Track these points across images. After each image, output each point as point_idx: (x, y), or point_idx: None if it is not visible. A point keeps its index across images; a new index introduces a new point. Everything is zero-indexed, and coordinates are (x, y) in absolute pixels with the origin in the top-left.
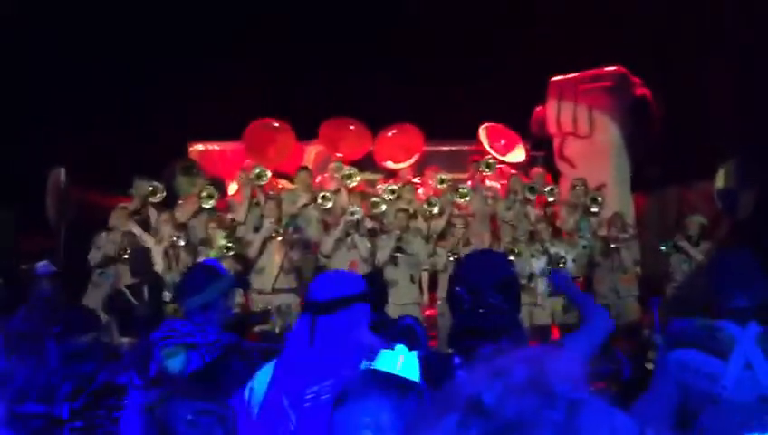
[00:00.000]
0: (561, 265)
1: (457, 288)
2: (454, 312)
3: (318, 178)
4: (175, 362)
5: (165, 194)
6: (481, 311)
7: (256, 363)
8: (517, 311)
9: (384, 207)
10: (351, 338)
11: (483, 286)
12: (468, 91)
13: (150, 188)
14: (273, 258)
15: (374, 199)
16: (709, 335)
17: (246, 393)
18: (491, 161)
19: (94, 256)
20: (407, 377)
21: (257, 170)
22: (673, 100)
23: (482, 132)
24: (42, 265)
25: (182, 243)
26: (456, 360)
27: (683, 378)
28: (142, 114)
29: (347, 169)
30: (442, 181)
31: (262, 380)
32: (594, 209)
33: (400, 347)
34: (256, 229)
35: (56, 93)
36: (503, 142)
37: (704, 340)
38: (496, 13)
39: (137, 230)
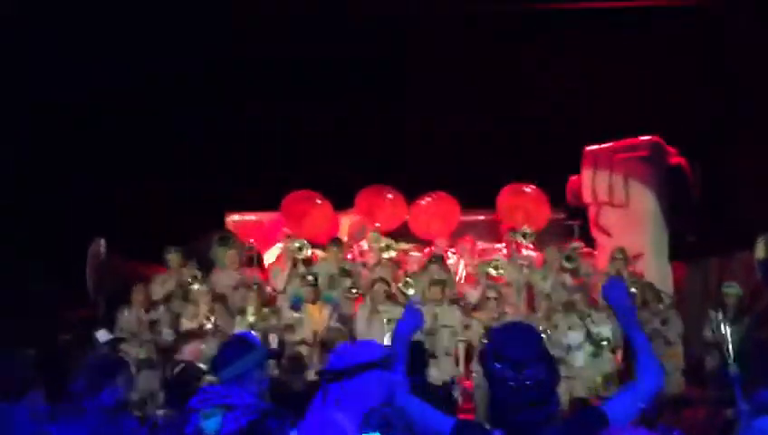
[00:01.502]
0: (603, 344)
1: (497, 364)
2: (495, 388)
3: (353, 249)
4: (211, 423)
5: (199, 272)
6: (528, 383)
7: (292, 428)
8: (556, 383)
9: (412, 290)
10: (364, 403)
11: (525, 359)
12: (503, 161)
13: (192, 275)
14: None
15: (405, 281)
16: None
17: None
18: (527, 231)
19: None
20: None
21: (297, 244)
22: (712, 169)
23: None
24: (101, 333)
25: (210, 324)
26: (497, 433)
27: None
28: (180, 184)
29: (384, 241)
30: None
31: None
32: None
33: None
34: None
35: (96, 165)
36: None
37: None
38: (531, 81)
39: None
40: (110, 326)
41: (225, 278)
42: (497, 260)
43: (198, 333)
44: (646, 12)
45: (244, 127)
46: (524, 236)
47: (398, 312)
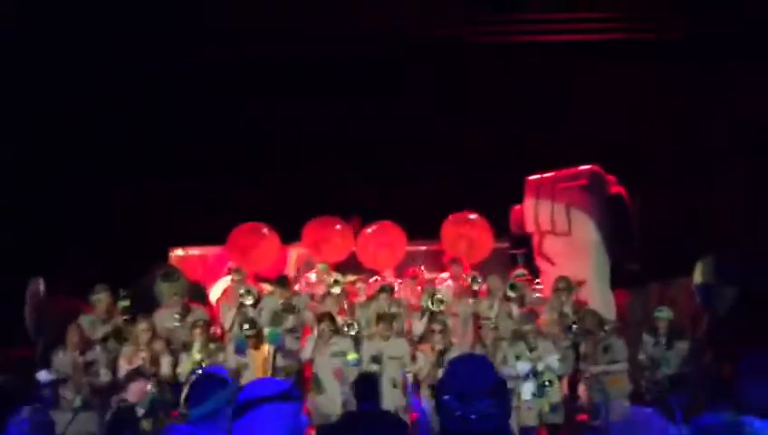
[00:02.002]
0: (551, 375)
1: (446, 396)
2: (443, 419)
3: (301, 281)
4: None
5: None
6: (473, 417)
7: None
8: (508, 415)
9: (354, 330)
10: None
11: (473, 392)
12: (444, 191)
13: (122, 305)
14: (257, 367)
15: (347, 321)
16: (734, 431)
17: None
18: (478, 278)
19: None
20: None
21: (242, 289)
22: (652, 197)
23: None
24: (43, 374)
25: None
26: None
27: None
28: (122, 220)
29: (333, 276)
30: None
31: None
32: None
33: None
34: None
35: (33, 199)
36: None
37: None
38: (472, 111)
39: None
40: (49, 366)
41: (167, 316)
42: (438, 294)
43: (144, 373)
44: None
45: (187, 163)
46: (474, 281)
47: (345, 344)
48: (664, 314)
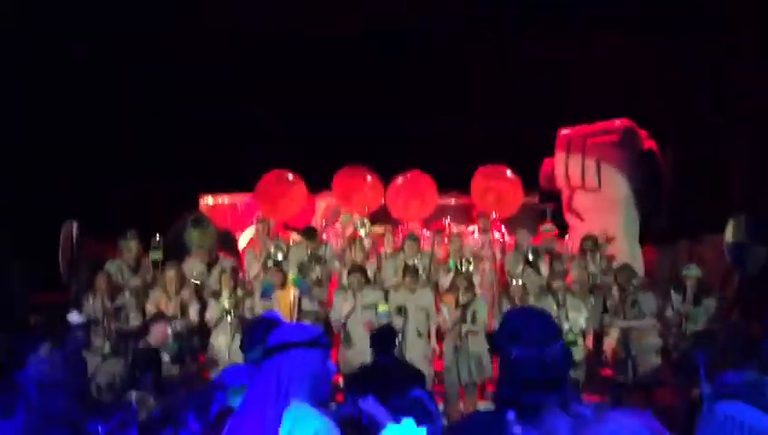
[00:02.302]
0: (577, 334)
1: (516, 345)
2: (511, 368)
3: (327, 233)
4: (240, 401)
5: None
6: (547, 362)
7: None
8: (570, 365)
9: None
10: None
11: (545, 339)
12: (478, 143)
13: (154, 257)
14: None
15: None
16: (757, 390)
17: None
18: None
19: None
20: None
21: (272, 247)
22: (684, 152)
23: None
24: (73, 315)
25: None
26: (510, 415)
27: (728, 430)
28: (154, 167)
29: (358, 220)
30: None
31: None
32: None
33: (408, 422)
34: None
35: (69, 146)
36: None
37: (751, 394)
38: (507, 63)
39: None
40: (80, 309)
41: (195, 265)
42: (465, 254)
43: (165, 316)
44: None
45: (219, 110)
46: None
47: (376, 296)
48: (692, 271)
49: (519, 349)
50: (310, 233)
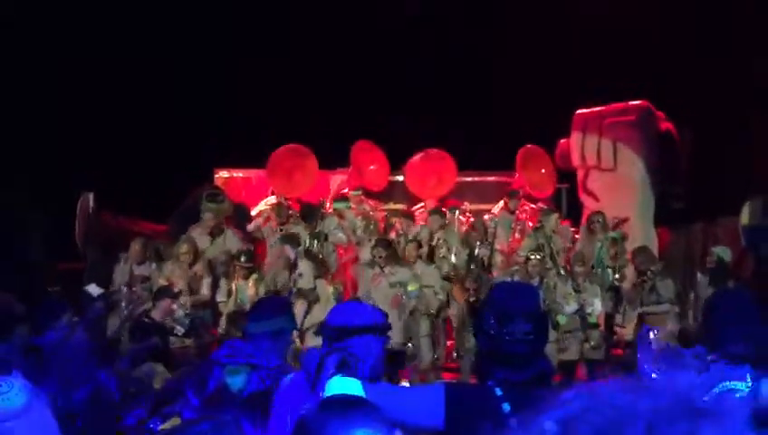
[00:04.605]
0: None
1: (485, 317)
2: (480, 338)
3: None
4: (236, 381)
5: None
6: (507, 338)
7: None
8: (544, 343)
9: None
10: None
11: (513, 314)
12: (492, 123)
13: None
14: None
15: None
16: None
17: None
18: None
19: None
20: None
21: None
22: (700, 134)
23: None
24: (92, 286)
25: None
26: (498, 392)
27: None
28: (169, 141)
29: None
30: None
31: None
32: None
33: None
34: None
35: (85, 120)
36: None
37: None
38: (523, 43)
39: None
40: (97, 280)
41: (199, 234)
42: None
43: (171, 291)
44: None
45: (234, 85)
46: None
47: (405, 274)
48: (723, 253)
49: (487, 318)
50: (308, 214)
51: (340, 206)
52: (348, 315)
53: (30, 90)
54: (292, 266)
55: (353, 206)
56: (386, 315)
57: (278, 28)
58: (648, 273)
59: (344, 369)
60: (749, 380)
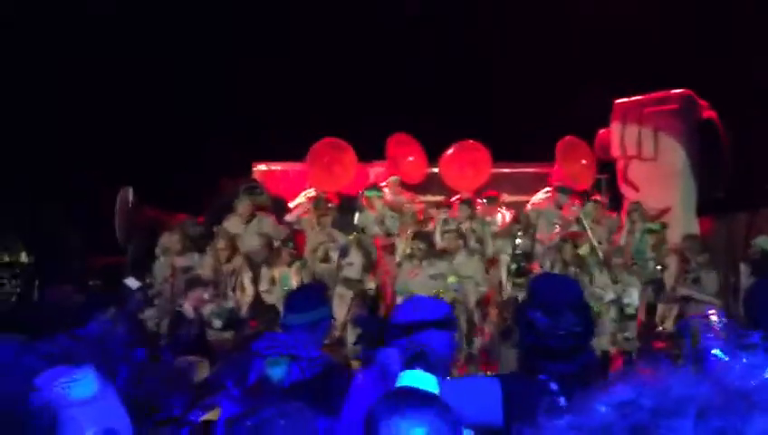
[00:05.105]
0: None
1: (530, 311)
2: (527, 334)
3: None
4: (276, 372)
5: None
6: (559, 333)
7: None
8: (591, 334)
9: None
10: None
11: (560, 308)
12: (531, 114)
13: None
14: None
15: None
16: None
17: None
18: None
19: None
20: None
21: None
22: (743, 123)
23: None
24: (131, 279)
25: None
26: (554, 386)
27: None
28: (208, 135)
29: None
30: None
31: None
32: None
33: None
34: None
35: (126, 115)
36: None
37: None
38: (562, 35)
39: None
40: (137, 273)
41: (234, 222)
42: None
43: (203, 281)
44: None
45: (272, 79)
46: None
47: (444, 267)
48: (765, 243)
49: (537, 314)
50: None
51: (371, 194)
52: (419, 311)
53: (71, 82)
54: (341, 254)
55: (389, 194)
56: (453, 309)
57: (316, 26)
58: (693, 263)
59: (421, 363)
60: None
